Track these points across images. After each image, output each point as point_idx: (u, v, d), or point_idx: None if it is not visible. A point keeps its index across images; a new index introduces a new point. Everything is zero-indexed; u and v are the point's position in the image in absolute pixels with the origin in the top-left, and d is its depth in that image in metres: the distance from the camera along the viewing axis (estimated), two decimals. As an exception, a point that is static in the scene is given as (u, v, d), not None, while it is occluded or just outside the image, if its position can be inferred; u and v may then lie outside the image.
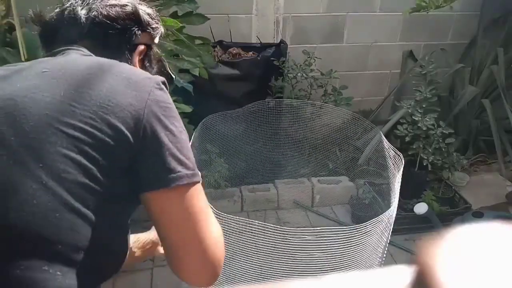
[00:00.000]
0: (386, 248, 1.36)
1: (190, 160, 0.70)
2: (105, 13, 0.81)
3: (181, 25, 1.69)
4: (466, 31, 2.96)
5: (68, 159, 0.62)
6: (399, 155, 1.41)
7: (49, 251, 0.61)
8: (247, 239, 1.26)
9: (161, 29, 0.93)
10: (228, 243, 1.27)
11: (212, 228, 0.72)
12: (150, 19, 0.88)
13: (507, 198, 2.53)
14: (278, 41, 2.68)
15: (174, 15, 1.79)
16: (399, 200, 2.46)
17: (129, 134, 0.65)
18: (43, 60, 0.76)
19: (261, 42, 2.67)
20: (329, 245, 1.21)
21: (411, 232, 2.33)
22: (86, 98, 0.65)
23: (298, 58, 2.64)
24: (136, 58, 0.87)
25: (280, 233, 1.21)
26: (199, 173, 0.72)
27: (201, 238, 0.70)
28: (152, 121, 0.67)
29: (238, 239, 1.27)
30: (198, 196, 0.71)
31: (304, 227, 2.39)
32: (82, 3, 0.83)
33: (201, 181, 0.72)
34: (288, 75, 2.61)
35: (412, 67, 2.77)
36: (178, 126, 0.71)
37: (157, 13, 0.93)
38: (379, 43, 2.92)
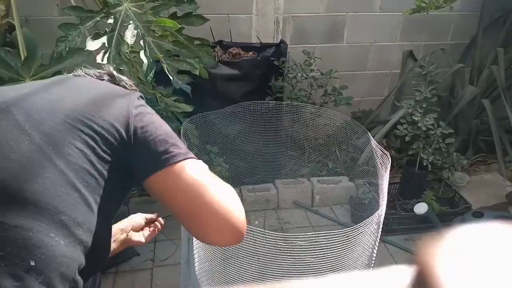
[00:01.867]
0: (376, 249, 1.36)
1: (180, 142, 0.80)
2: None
3: (179, 26, 1.69)
4: (466, 31, 2.96)
5: (72, 145, 0.73)
6: (386, 154, 1.41)
7: (55, 220, 0.69)
8: (246, 240, 1.26)
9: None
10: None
11: (218, 191, 0.77)
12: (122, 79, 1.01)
13: (507, 198, 2.53)
14: (278, 41, 2.68)
15: (173, 16, 1.78)
16: (399, 200, 2.47)
17: (121, 129, 0.77)
18: (42, 81, 0.91)
19: (261, 42, 2.67)
20: (320, 249, 1.21)
21: (411, 232, 2.33)
22: (86, 100, 0.79)
23: (298, 58, 2.64)
24: None
25: (273, 238, 1.21)
26: (191, 153, 0.80)
27: (209, 203, 0.75)
28: (139, 119, 0.79)
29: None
30: (196, 169, 0.78)
31: (304, 227, 2.39)
32: None
33: (195, 158, 0.80)
34: (288, 75, 2.61)
35: (412, 67, 2.78)
36: (161, 121, 0.83)
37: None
38: (379, 43, 2.92)
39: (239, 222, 0.77)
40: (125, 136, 0.77)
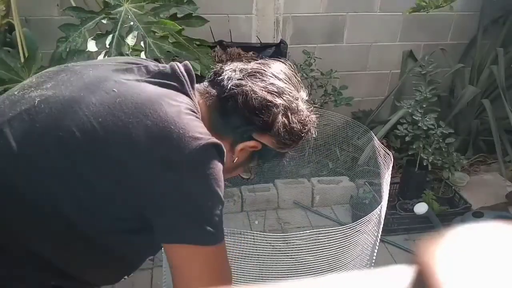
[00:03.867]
0: (376, 249, 1.36)
1: (212, 223, 0.72)
2: (248, 99, 0.80)
3: (180, 27, 1.69)
4: (466, 31, 2.96)
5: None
6: (388, 154, 1.40)
7: None
8: (246, 240, 1.26)
9: (289, 151, 0.91)
10: (227, 244, 1.27)
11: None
12: (283, 132, 0.83)
13: (507, 198, 2.53)
14: (278, 41, 2.68)
15: (173, 17, 1.78)
16: (399, 200, 2.47)
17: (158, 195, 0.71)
18: (118, 78, 0.77)
19: (261, 42, 2.67)
20: (319, 248, 1.21)
21: (411, 232, 2.33)
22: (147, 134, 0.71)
23: (298, 58, 2.64)
24: (239, 147, 0.84)
25: (272, 239, 1.21)
26: (222, 236, 0.74)
27: None
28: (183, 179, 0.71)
29: (238, 240, 1.27)
30: (214, 259, 0.74)
31: (304, 227, 2.39)
32: (239, 72, 0.84)
33: (222, 244, 0.74)
34: (288, 75, 2.61)
35: (412, 67, 2.77)
36: (205, 191, 0.72)
37: (304, 134, 0.88)
38: (379, 43, 2.92)
39: None
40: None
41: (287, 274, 1.27)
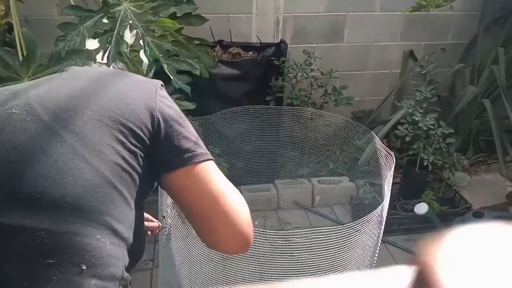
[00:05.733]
0: (378, 250, 1.36)
1: (200, 141, 0.79)
2: None
3: (179, 26, 1.68)
4: (466, 30, 2.96)
5: (103, 142, 0.71)
6: (390, 155, 1.40)
7: (100, 221, 0.69)
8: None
9: None
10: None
11: (233, 198, 0.77)
12: None
13: (507, 198, 2.53)
14: (278, 40, 2.68)
15: (173, 16, 1.78)
16: (400, 200, 2.47)
17: (148, 122, 0.75)
18: (55, 76, 0.84)
19: (261, 41, 2.67)
20: (319, 247, 1.21)
21: (411, 232, 2.33)
22: (110, 92, 0.76)
23: (298, 58, 2.64)
24: None
25: (272, 236, 1.21)
26: (210, 154, 0.80)
27: (225, 209, 0.75)
28: (162, 112, 0.77)
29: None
30: (215, 172, 0.78)
31: (304, 227, 2.39)
32: None
33: (214, 160, 0.79)
34: (288, 75, 2.61)
35: (412, 67, 2.77)
36: (183, 116, 0.80)
37: None
38: (379, 43, 2.92)
39: (249, 232, 0.77)
40: (151, 128, 0.75)
41: (288, 274, 1.27)
